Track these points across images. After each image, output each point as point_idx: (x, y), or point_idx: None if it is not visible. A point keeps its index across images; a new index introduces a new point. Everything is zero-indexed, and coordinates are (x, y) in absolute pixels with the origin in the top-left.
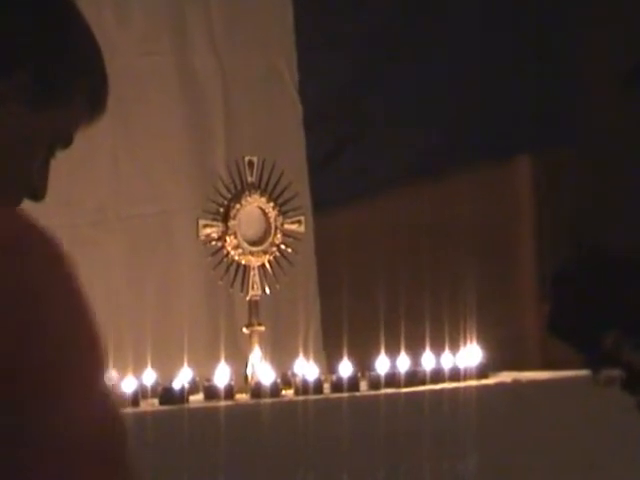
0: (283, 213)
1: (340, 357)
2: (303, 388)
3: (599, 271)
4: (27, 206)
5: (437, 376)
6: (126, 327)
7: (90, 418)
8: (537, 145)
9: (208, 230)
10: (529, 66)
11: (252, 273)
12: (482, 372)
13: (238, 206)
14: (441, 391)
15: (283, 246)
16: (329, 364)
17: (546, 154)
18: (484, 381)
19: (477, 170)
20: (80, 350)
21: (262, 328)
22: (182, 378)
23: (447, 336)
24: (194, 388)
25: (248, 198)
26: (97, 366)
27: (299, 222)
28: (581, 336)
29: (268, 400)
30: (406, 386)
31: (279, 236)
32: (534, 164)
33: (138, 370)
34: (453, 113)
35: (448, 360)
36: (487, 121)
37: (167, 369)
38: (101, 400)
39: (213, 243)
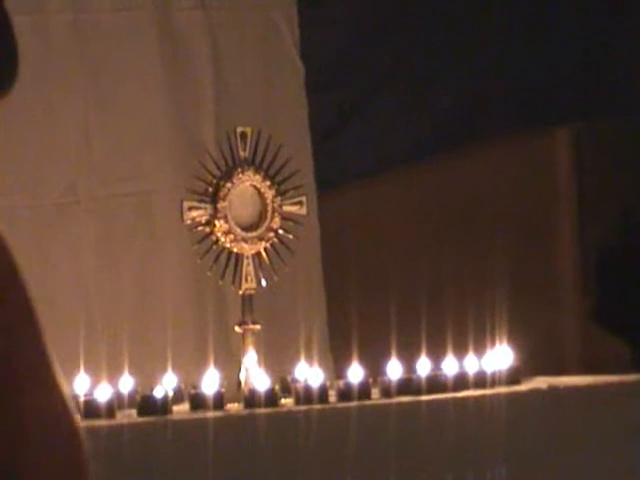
0: (281, 193)
1: (349, 360)
2: (305, 396)
3: None
4: None
5: (461, 382)
6: (99, 326)
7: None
8: (581, 114)
9: (194, 213)
10: (572, 20)
11: (246, 263)
12: (513, 377)
13: (229, 185)
14: (465, 399)
15: (282, 231)
16: (336, 368)
17: (590, 125)
18: (515, 388)
19: (508, 143)
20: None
21: (257, 327)
22: (165, 385)
23: (472, 336)
24: (179, 397)
25: (240, 176)
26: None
27: (300, 203)
28: (630, 327)
29: (264, 410)
30: (425, 394)
31: (277, 220)
32: (576, 136)
33: (113, 376)
34: (479, 76)
35: (473, 364)
36: (521, 84)
37: (147, 375)
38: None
39: (200, 228)
